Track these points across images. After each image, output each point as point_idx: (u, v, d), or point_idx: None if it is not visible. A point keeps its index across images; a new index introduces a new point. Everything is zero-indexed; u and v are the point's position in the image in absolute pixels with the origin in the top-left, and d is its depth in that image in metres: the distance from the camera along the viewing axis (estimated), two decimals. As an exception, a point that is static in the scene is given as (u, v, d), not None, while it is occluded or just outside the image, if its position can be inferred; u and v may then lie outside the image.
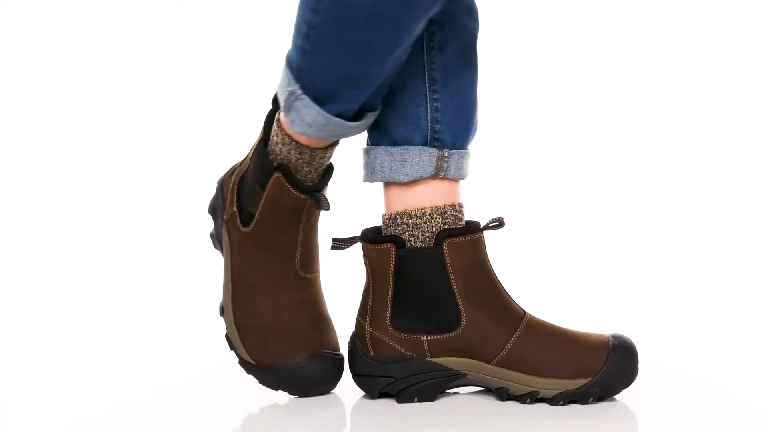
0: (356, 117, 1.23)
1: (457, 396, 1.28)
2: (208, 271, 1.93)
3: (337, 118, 1.22)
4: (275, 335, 1.28)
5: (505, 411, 1.21)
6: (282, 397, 1.28)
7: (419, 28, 1.19)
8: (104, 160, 2.39)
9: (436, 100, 1.27)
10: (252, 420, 1.23)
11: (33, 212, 2.26)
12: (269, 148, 1.29)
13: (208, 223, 1.37)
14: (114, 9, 2.45)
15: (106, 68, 2.45)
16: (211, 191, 1.40)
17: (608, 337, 1.25)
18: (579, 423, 1.17)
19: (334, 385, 1.30)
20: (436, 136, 1.27)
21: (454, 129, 1.27)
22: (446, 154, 1.27)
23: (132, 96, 2.45)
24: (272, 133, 1.29)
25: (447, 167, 1.27)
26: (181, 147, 2.39)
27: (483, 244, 1.26)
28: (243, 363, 1.29)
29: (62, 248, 2.10)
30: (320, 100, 1.21)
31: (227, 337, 1.30)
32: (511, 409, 1.22)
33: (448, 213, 1.26)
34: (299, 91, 1.21)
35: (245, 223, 1.30)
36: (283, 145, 1.27)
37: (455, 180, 1.28)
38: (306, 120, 1.22)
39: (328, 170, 1.32)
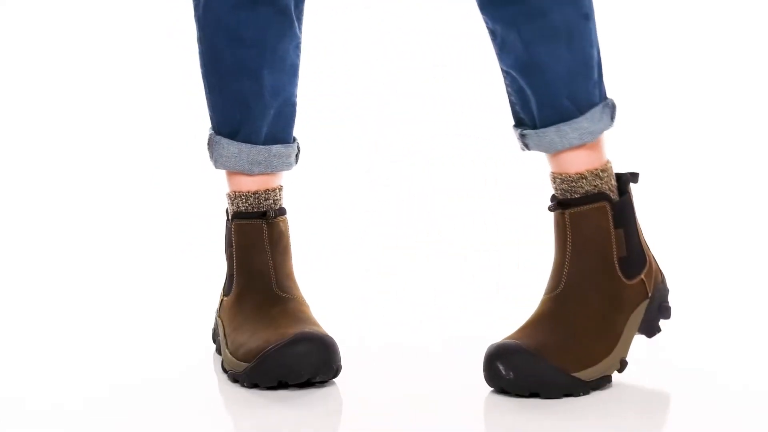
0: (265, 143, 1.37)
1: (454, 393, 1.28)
2: (208, 271, 1.94)
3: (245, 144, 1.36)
4: (260, 335, 1.29)
5: (504, 409, 1.22)
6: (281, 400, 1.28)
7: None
8: (104, 161, 2.39)
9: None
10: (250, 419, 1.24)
11: (33, 212, 2.26)
12: (227, 223, 1.40)
13: (208, 224, 1.39)
14: (114, 9, 2.45)
15: (106, 68, 2.45)
16: (211, 192, 1.42)
17: None
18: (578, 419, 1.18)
19: (324, 368, 1.27)
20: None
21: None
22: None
23: (132, 96, 2.45)
24: (226, 210, 1.41)
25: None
26: (181, 147, 2.39)
27: None
28: (236, 374, 1.30)
29: (62, 248, 2.10)
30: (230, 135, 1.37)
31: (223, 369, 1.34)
32: (509, 406, 1.22)
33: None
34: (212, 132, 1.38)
35: (227, 291, 1.39)
36: (231, 206, 1.39)
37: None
38: (224, 154, 1.37)
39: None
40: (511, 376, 1.22)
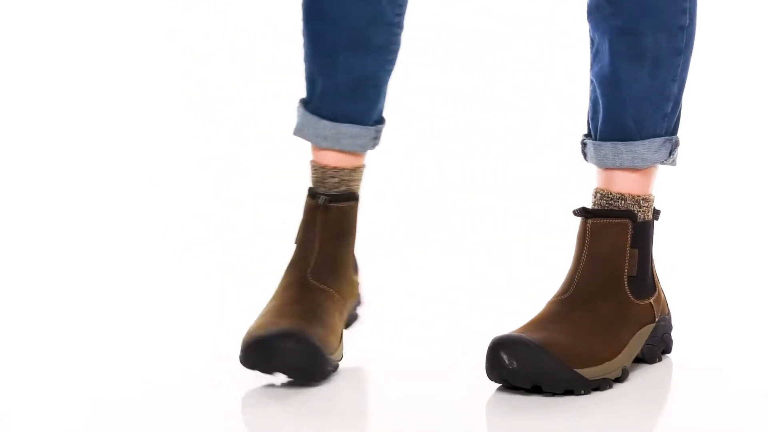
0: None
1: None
2: (208, 271, 1.94)
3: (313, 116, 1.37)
4: (263, 319, 1.30)
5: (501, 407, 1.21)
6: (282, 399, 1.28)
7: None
8: (104, 161, 2.39)
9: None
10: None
11: (33, 212, 2.26)
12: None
13: (209, 227, 1.38)
14: (114, 9, 2.45)
15: (106, 69, 2.46)
16: (211, 191, 1.41)
17: None
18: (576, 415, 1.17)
19: (301, 372, 1.26)
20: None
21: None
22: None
23: (132, 96, 2.45)
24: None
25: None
26: (181, 147, 2.39)
27: None
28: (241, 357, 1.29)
29: (62, 248, 2.10)
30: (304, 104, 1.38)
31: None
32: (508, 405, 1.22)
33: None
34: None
35: None
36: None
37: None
38: (297, 121, 1.37)
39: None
40: (515, 366, 1.22)
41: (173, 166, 2.37)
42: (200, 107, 2.45)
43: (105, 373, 1.38)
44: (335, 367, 1.30)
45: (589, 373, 1.24)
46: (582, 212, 1.32)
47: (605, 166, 1.32)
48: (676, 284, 1.65)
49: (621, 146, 1.31)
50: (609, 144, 1.32)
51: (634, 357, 1.31)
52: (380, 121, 1.40)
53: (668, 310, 1.37)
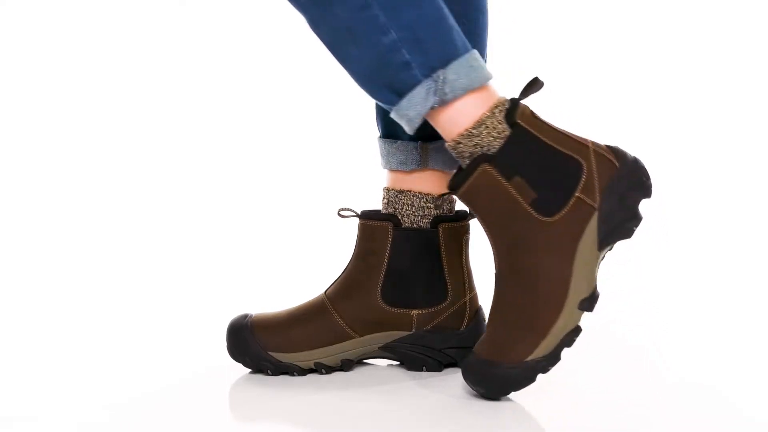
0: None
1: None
2: (208, 272, 1.94)
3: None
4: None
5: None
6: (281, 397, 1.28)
7: None
8: (104, 161, 2.39)
9: None
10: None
11: (33, 212, 2.26)
12: None
13: (209, 226, 1.37)
14: (114, 9, 2.45)
15: (106, 69, 2.46)
16: (210, 191, 1.41)
17: None
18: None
19: (234, 354, 1.33)
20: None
21: None
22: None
23: (132, 96, 2.45)
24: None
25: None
26: (181, 147, 2.39)
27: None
28: None
29: (62, 249, 2.10)
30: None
31: None
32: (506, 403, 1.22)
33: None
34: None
35: None
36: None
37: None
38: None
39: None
40: (483, 391, 1.23)
41: (173, 166, 2.38)
42: (200, 107, 2.46)
43: (104, 373, 1.38)
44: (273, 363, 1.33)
45: (541, 350, 1.20)
46: (452, 191, 1.24)
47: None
48: (675, 288, 1.65)
49: (393, 115, 1.24)
50: (394, 114, 1.24)
51: (595, 272, 1.22)
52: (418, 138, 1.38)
53: (617, 155, 1.24)
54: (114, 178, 2.37)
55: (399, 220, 1.32)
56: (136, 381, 1.34)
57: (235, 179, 2.34)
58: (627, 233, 1.23)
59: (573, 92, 2.35)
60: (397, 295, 1.31)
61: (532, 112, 1.23)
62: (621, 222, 1.22)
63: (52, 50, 2.46)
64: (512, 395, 1.23)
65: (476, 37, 1.33)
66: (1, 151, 2.41)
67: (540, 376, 1.21)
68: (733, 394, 1.27)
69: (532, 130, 1.21)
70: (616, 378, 1.33)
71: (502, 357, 1.20)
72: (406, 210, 1.33)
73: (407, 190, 1.33)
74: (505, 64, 1.87)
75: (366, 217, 1.33)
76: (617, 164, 1.23)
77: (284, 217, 2.20)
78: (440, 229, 1.32)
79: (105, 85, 2.46)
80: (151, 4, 2.47)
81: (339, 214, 1.34)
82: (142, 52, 2.47)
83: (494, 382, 1.21)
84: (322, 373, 1.32)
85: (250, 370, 1.34)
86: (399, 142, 1.34)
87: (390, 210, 1.34)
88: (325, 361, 1.31)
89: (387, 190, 1.35)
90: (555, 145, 1.22)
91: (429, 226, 1.33)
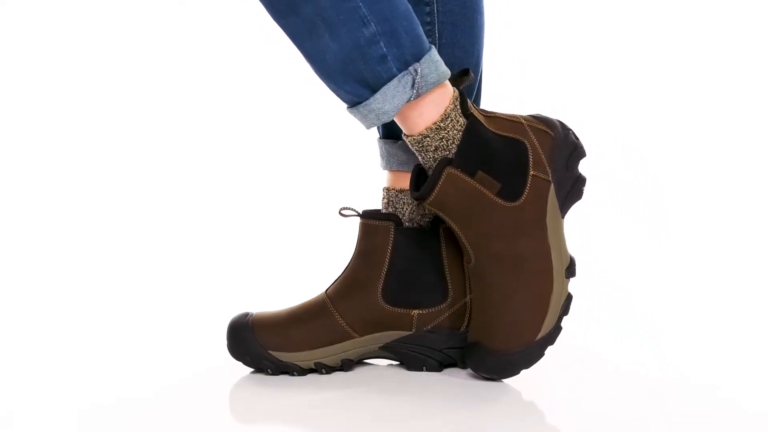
0: None
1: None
2: (208, 271, 1.94)
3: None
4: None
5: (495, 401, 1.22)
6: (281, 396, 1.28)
7: None
8: (104, 161, 2.40)
9: None
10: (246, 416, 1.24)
11: (33, 212, 2.26)
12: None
13: (209, 225, 1.37)
14: (114, 10, 2.45)
15: (106, 69, 2.46)
16: (210, 191, 1.41)
17: None
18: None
19: (233, 353, 1.33)
20: None
21: None
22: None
23: (132, 96, 2.45)
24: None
25: None
26: (181, 147, 2.40)
27: None
28: None
29: (62, 249, 2.11)
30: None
31: None
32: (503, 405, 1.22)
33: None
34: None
35: None
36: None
37: None
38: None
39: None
40: (496, 378, 1.27)
41: (172, 167, 2.38)
42: (200, 107, 2.46)
43: (105, 373, 1.38)
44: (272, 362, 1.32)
45: (546, 327, 1.25)
46: (419, 200, 1.26)
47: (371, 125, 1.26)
48: (675, 288, 1.66)
49: (363, 109, 1.22)
50: (354, 111, 1.24)
51: (563, 239, 1.27)
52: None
53: (549, 126, 1.28)
54: (114, 178, 2.37)
55: (400, 219, 1.33)
56: (137, 380, 1.34)
57: (236, 179, 2.34)
58: (579, 195, 1.29)
59: (573, 92, 2.35)
60: (397, 295, 1.31)
61: (471, 101, 1.27)
62: (572, 186, 1.28)
63: (52, 50, 2.47)
64: (513, 390, 1.25)
65: (473, 37, 1.34)
66: (1, 151, 2.41)
67: (540, 376, 1.24)
68: (732, 391, 1.27)
69: (480, 119, 1.25)
70: (615, 376, 1.33)
71: (512, 344, 1.24)
72: (407, 209, 1.34)
73: (408, 190, 1.34)
74: (503, 64, 1.88)
75: (367, 216, 1.33)
76: (552, 133, 1.28)
77: (285, 217, 2.21)
78: (441, 229, 1.32)
79: (105, 85, 2.47)
80: (151, 4, 2.47)
81: (340, 213, 1.34)
82: (142, 52, 2.47)
83: (509, 369, 1.26)
84: (322, 373, 1.32)
85: (250, 369, 1.34)
86: (400, 142, 1.34)
87: (390, 210, 1.34)
88: (326, 360, 1.31)
89: (387, 189, 1.35)
90: (499, 132, 1.26)
91: (430, 226, 1.33)
